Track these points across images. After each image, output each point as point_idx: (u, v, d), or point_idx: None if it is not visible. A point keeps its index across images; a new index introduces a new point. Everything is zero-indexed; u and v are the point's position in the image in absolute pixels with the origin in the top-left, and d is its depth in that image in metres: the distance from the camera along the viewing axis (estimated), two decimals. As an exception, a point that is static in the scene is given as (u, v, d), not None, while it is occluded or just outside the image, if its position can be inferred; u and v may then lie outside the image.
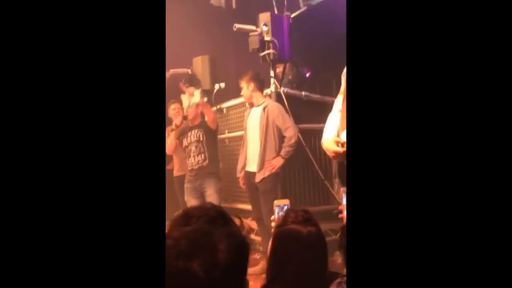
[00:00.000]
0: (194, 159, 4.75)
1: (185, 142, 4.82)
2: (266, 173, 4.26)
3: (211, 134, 4.78)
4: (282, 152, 4.25)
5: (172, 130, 4.94)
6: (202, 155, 4.74)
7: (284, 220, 1.69)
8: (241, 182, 4.62)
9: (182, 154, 5.06)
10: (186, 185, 4.81)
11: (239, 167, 4.61)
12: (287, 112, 4.34)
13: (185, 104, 4.73)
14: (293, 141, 4.23)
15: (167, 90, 6.17)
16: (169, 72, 5.90)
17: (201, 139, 4.76)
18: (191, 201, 4.73)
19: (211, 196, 4.64)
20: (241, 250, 1.08)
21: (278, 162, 4.25)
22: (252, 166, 4.40)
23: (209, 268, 1.00)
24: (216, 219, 1.08)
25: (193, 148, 4.76)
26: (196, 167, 4.74)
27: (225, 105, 5.62)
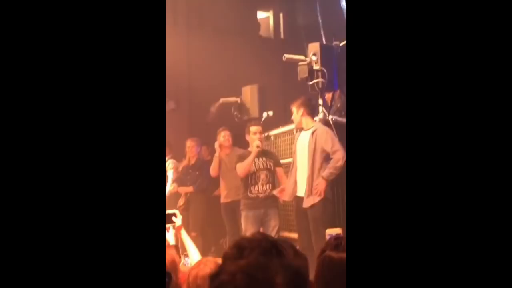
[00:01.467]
0: (262, 187, 4.73)
1: (253, 168, 4.79)
2: (316, 199, 4.20)
3: (277, 165, 4.81)
4: (325, 174, 4.17)
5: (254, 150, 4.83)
6: (271, 184, 4.73)
7: (322, 250, 1.68)
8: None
9: (233, 180, 5.09)
10: (246, 213, 4.73)
11: (288, 191, 4.56)
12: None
13: None
14: (339, 164, 4.14)
15: (218, 118, 6.32)
16: (219, 101, 6.04)
17: (271, 168, 4.76)
18: (252, 230, 4.62)
19: (276, 228, 4.59)
20: (298, 282, 1.05)
21: (321, 185, 4.18)
22: (301, 191, 4.37)
23: None
24: (269, 250, 1.05)
25: (262, 176, 4.75)
26: (262, 195, 4.71)
27: (272, 132, 5.67)
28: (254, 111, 5.66)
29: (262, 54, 6.93)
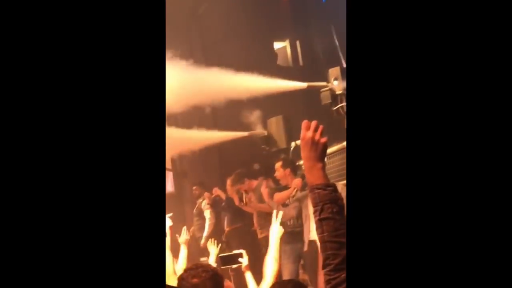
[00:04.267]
0: (298, 220, 4.57)
1: (288, 201, 4.69)
2: None
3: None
4: None
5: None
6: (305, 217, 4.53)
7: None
8: None
9: (266, 213, 5.05)
10: (284, 247, 4.43)
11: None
12: None
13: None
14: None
15: (246, 151, 6.34)
16: (247, 134, 6.08)
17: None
18: (288, 265, 4.51)
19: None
20: None
21: None
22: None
23: None
24: None
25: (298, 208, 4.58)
26: (298, 229, 4.54)
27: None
28: (281, 142, 5.66)
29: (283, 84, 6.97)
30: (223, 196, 5.93)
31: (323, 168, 1.42)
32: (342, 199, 1.45)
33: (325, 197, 1.41)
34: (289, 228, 4.62)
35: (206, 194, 6.09)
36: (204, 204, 6.05)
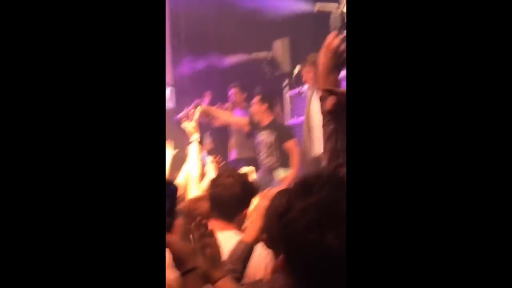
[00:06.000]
0: (266, 159, 4.74)
1: (258, 139, 4.82)
2: None
3: (281, 137, 4.72)
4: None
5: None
6: (275, 157, 4.71)
7: None
8: None
9: (241, 139, 5.09)
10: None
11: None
12: None
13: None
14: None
15: (249, 75, 6.22)
16: (251, 56, 5.92)
17: (273, 142, 4.71)
18: None
19: None
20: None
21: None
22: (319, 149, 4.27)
23: (344, 238, 0.96)
24: (340, 187, 1.03)
25: (265, 148, 4.75)
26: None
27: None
28: (286, 65, 5.52)
29: (292, 4, 6.70)
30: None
31: (337, 77, 1.44)
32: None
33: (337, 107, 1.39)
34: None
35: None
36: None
